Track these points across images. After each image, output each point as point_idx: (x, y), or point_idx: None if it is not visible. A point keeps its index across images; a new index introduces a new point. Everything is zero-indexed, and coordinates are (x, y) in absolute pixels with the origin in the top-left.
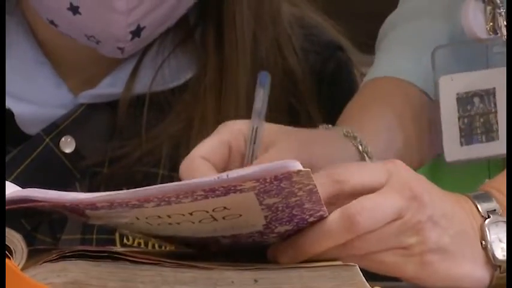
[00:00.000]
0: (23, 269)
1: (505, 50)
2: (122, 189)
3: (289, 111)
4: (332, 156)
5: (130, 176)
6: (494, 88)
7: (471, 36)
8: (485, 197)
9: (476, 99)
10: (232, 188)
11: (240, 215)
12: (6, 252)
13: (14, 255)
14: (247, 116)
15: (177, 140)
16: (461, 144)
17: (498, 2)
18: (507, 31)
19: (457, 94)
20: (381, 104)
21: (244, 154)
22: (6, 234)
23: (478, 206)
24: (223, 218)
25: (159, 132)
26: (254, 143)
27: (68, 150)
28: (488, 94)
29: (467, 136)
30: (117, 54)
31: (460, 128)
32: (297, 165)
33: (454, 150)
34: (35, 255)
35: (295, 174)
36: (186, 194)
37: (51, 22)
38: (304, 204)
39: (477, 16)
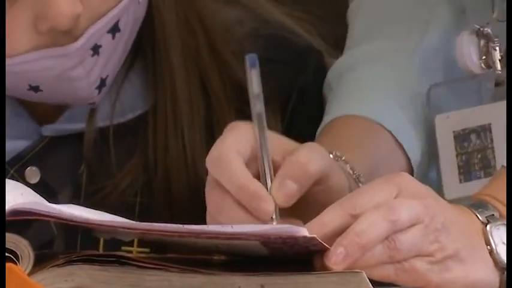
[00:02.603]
0: (30, 274)
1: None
2: None
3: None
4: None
5: (108, 205)
6: (490, 124)
7: (465, 71)
8: (481, 204)
9: (473, 136)
10: (236, 237)
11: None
12: (13, 257)
13: (21, 261)
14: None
15: (150, 165)
16: (460, 181)
17: (492, 35)
18: (507, 28)
19: (454, 132)
20: (354, 150)
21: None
22: (14, 240)
23: (476, 213)
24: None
25: (130, 168)
26: (263, 128)
27: (33, 180)
28: (484, 130)
29: (466, 173)
30: (89, 107)
31: (458, 165)
32: (303, 232)
33: (453, 187)
34: (42, 260)
35: (301, 238)
36: (189, 235)
37: (14, 98)
38: (309, 247)
39: (470, 51)
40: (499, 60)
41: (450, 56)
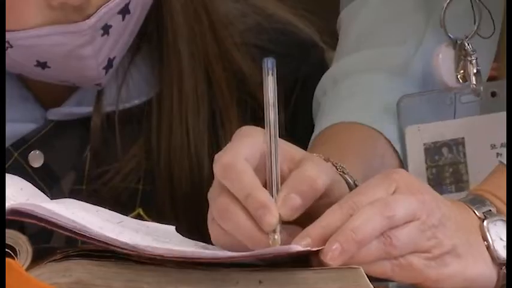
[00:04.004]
0: (27, 269)
1: (475, 98)
2: (104, 206)
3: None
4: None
5: (111, 191)
6: (463, 138)
7: (440, 83)
8: (478, 200)
9: (444, 150)
10: (230, 260)
11: None
12: (11, 252)
13: (18, 256)
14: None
15: (153, 152)
16: None
17: (470, 49)
18: (507, 32)
19: (424, 144)
20: (350, 156)
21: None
22: (12, 236)
23: (473, 208)
24: None
25: (134, 153)
26: (274, 137)
27: (37, 164)
28: (457, 144)
29: (437, 186)
30: (95, 88)
31: (428, 178)
32: (297, 248)
33: None
34: (40, 255)
35: (294, 253)
36: (184, 259)
37: (19, 75)
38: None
39: (447, 64)
40: (474, 75)
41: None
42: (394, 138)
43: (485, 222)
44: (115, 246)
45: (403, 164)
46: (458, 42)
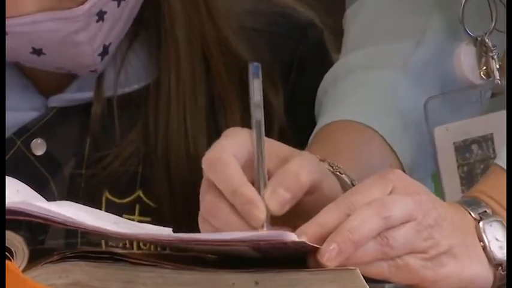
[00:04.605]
0: (24, 271)
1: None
2: (102, 190)
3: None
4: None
5: (110, 175)
6: (492, 134)
7: (464, 81)
8: (473, 201)
9: (474, 147)
10: (225, 244)
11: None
12: (7, 254)
13: (15, 257)
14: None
15: (151, 137)
16: (463, 192)
17: (490, 45)
18: (507, 32)
19: (454, 143)
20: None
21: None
22: (8, 237)
23: (469, 210)
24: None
25: (132, 138)
26: (261, 137)
27: (39, 152)
28: (486, 140)
29: (469, 184)
30: (91, 75)
31: (460, 176)
32: (292, 237)
33: (456, 199)
34: (36, 256)
35: (290, 243)
36: (180, 242)
37: (16, 63)
38: (299, 249)
39: (469, 61)
40: (498, 70)
41: (445, 66)
42: (390, 135)
43: (481, 223)
44: (110, 234)
45: (400, 160)
46: (479, 39)
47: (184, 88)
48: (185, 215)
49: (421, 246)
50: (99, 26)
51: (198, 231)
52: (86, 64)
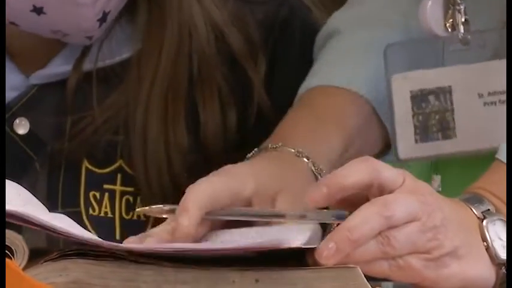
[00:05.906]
0: (24, 269)
1: (463, 48)
2: (81, 160)
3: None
4: (288, 179)
5: (90, 147)
6: (450, 86)
7: (428, 32)
8: (476, 199)
9: (431, 97)
10: (221, 252)
11: None
12: (8, 252)
13: (15, 256)
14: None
15: (130, 104)
16: (416, 142)
17: None
18: (507, 32)
19: (411, 92)
20: (330, 125)
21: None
22: (8, 235)
23: (472, 208)
24: None
25: (111, 103)
26: None
27: (22, 131)
28: (444, 92)
29: (422, 133)
30: (85, 42)
31: (414, 125)
32: (287, 243)
33: (408, 147)
34: (36, 255)
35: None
36: (174, 252)
37: (12, 23)
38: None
39: (435, 12)
40: (463, 24)
41: None
42: (375, 99)
43: (484, 222)
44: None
45: (384, 124)
46: None
47: (167, 60)
48: (159, 183)
49: (424, 246)
50: None
51: None
52: (84, 28)
